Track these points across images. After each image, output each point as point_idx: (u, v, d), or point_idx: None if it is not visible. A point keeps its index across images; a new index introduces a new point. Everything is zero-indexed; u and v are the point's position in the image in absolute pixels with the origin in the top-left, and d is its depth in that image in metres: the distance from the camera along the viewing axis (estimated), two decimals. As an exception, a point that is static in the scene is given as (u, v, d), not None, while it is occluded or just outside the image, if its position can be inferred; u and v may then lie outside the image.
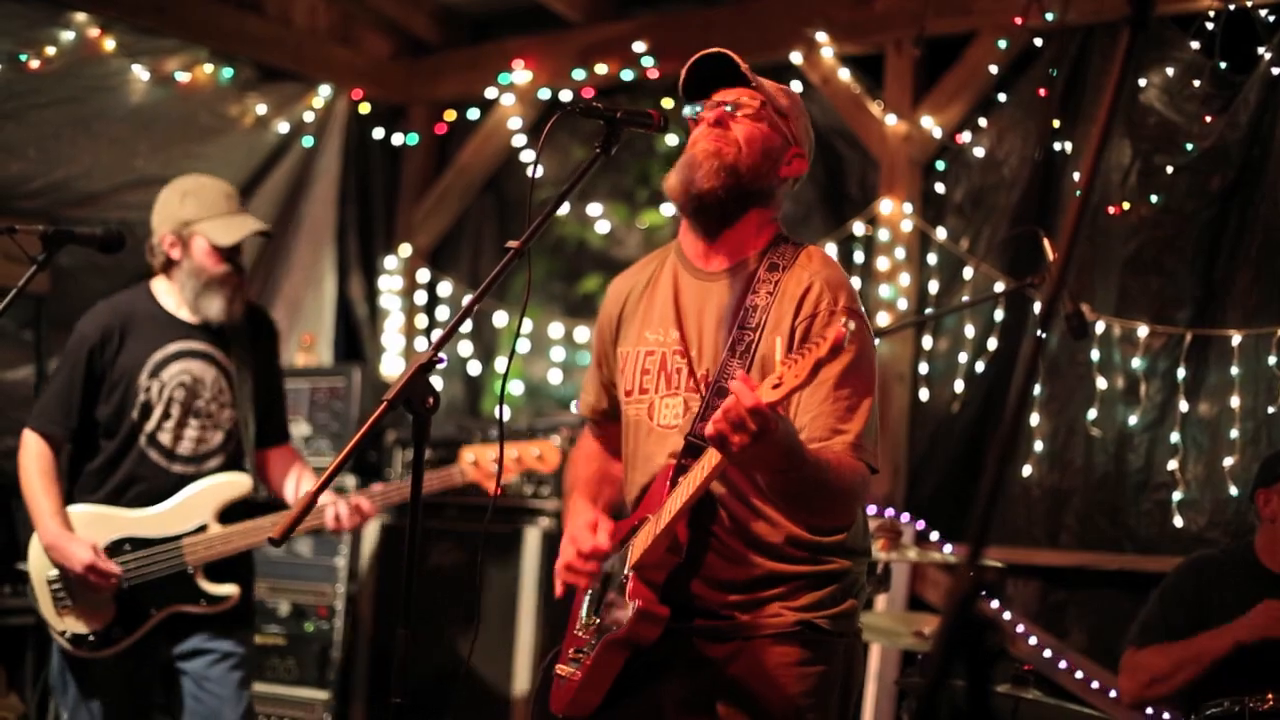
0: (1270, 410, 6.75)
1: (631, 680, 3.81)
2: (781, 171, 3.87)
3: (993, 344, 7.41)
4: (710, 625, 3.76)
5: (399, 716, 3.35)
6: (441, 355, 3.48)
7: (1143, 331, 7.02)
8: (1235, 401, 6.80)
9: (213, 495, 5.74)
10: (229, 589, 5.73)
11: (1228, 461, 6.77)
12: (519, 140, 9.13)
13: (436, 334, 8.96)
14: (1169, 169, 7.18)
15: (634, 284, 4.04)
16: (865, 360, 3.64)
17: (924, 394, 7.61)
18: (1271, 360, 6.75)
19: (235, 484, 5.79)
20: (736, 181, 3.79)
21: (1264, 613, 5.34)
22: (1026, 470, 7.24)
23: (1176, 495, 6.89)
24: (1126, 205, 7.24)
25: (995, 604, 7.11)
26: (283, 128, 9.00)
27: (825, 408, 3.59)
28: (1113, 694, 6.57)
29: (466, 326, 9.13)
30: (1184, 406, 6.95)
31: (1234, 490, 6.69)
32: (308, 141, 9.17)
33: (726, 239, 3.86)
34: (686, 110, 3.96)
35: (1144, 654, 5.65)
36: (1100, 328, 7.10)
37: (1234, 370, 6.82)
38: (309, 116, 9.12)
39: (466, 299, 8.76)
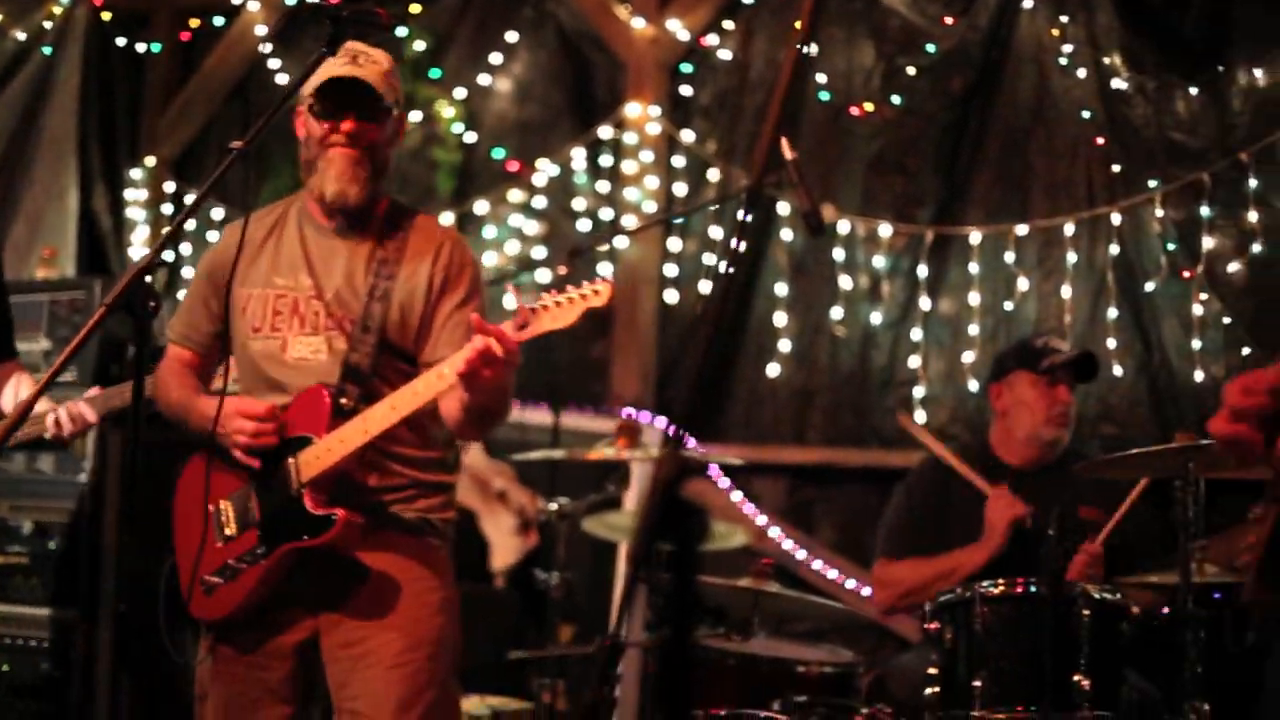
0: (1008, 307, 6.89)
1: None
2: (392, 150, 4.32)
3: (740, 245, 7.44)
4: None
5: (121, 624, 3.31)
6: (164, 258, 3.47)
7: (886, 231, 7.12)
8: (975, 299, 6.93)
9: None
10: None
11: (968, 357, 6.91)
12: (265, 47, 8.92)
13: (185, 247, 8.75)
14: (911, 70, 7.27)
15: (253, 231, 4.29)
16: (485, 305, 4.22)
17: (672, 296, 7.63)
18: (1009, 258, 6.89)
19: None
20: (374, 188, 4.23)
21: (996, 508, 5.45)
22: (774, 370, 7.30)
23: (919, 391, 7.01)
24: (870, 106, 7.32)
25: (742, 500, 7.17)
26: (20, 36, 8.70)
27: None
28: (865, 591, 6.67)
29: (213, 237, 8.94)
30: (926, 304, 7.07)
31: (974, 385, 6.83)
32: (47, 50, 8.87)
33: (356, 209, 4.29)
34: (313, 107, 4.18)
35: (898, 568, 5.72)
36: (845, 227, 7.17)
37: (973, 268, 6.95)
38: (48, 24, 8.82)
39: (215, 212, 8.57)
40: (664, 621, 2.13)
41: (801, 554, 7.06)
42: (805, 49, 2.36)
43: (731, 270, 2.36)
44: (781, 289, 7.33)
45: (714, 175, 7.56)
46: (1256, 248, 6.54)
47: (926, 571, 5.60)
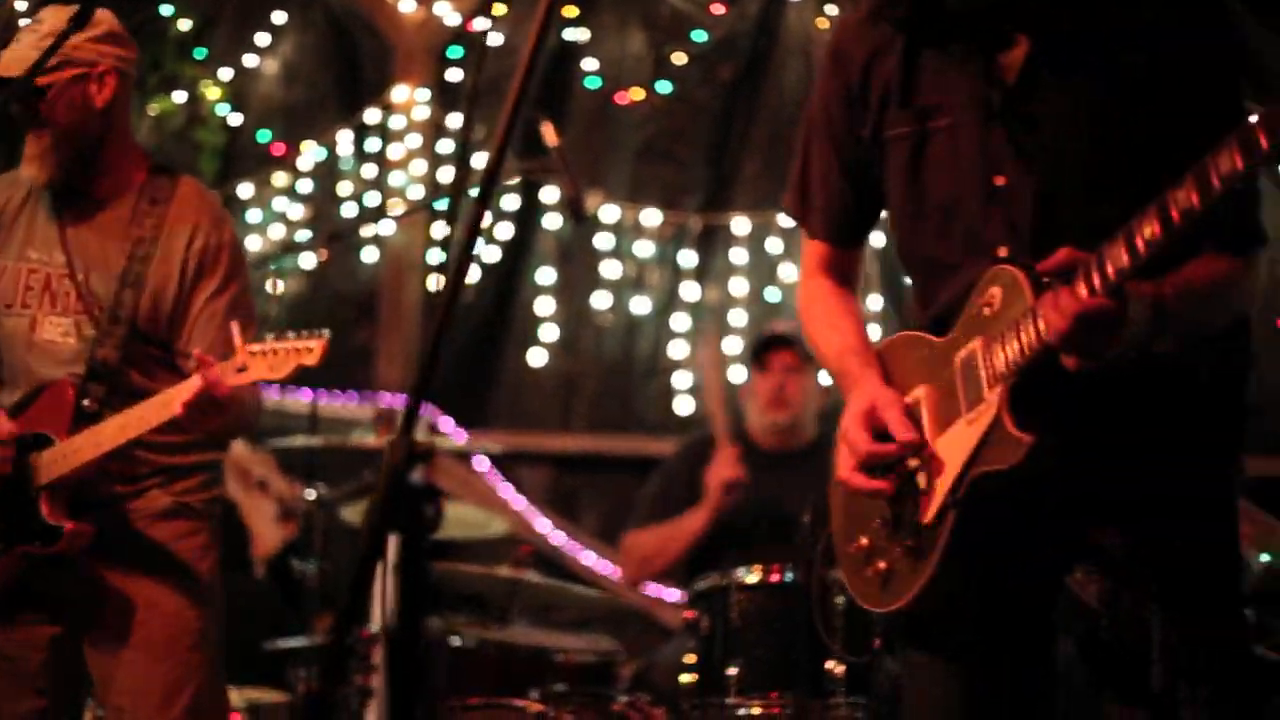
0: (772, 295, 6.93)
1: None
2: (100, 104, 4.01)
3: (505, 232, 7.37)
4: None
5: None
6: None
7: (652, 218, 7.10)
8: (740, 287, 6.96)
9: None
10: None
11: (732, 345, 6.91)
12: (24, 22, 8.62)
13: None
14: (681, 58, 7.26)
15: (10, 196, 4.14)
16: (245, 286, 4.12)
17: (436, 283, 7.52)
18: (774, 246, 6.93)
19: None
20: (70, 158, 3.99)
21: (713, 470, 5.52)
22: (539, 357, 7.26)
23: (683, 380, 7.01)
24: (639, 93, 7.30)
25: (504, 487, 7.12)
26: None
27: (222, 335, 3.92)
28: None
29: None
30: (691, 292, 7.07)
31: (737, 374, 6.84)
32: None
33: (101, 182, 4.08)
34: None
35: (638, 536, 5.82)
36: (612, 214, 7.15)
37: (738, 257, 6.98)
38: None
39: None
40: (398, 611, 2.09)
41: (565, 542, 7.03)
42: (549, 30, 2.32)
43: (473, 252, 2.31)
44: (547, 276, 7.30)
45: (481, 161, 7.46)
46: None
47: (659, 533, 5.67)
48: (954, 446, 2.65)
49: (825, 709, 4.53)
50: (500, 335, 7.45)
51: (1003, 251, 2.68)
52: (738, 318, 6.94)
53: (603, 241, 7.18)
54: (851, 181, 2.98)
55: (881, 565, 2.78)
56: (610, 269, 7.17)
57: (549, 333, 7.26)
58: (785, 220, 6.90)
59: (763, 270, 6.99)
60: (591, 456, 7.24)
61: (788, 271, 6.92)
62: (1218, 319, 2.69)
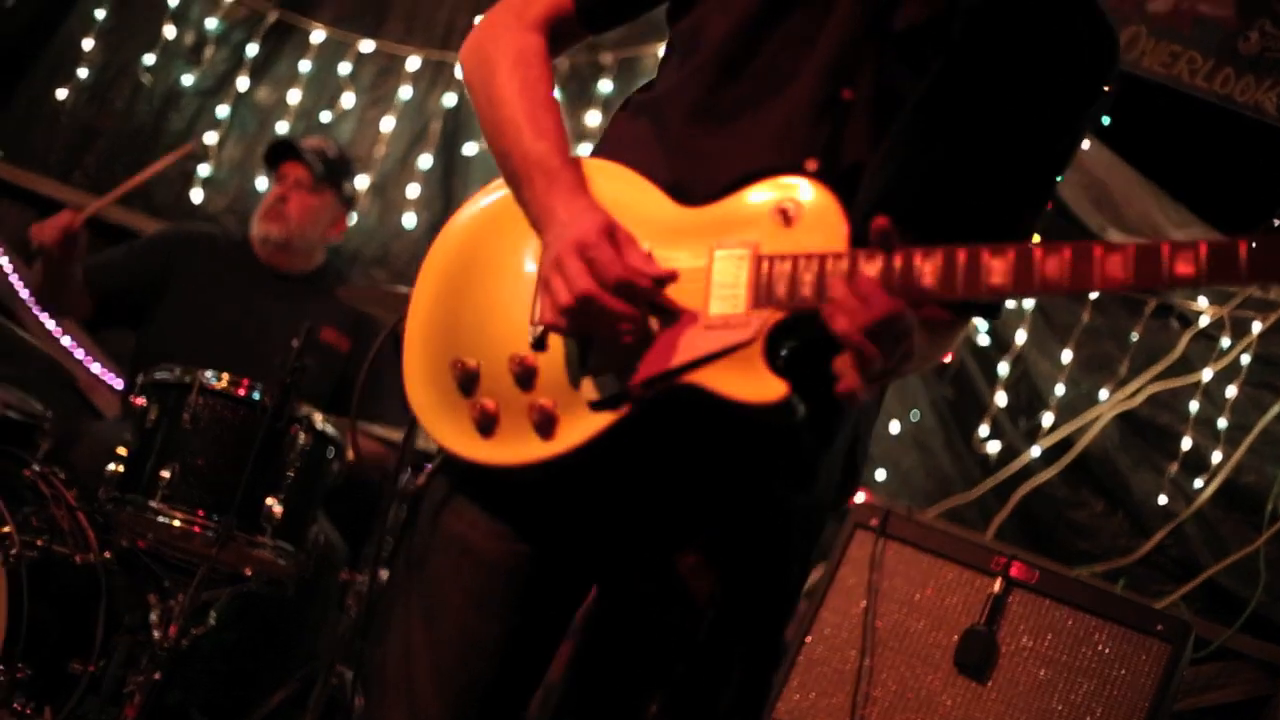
0: (325, 117, 6.62)
1: None
2: None
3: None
4: None
5: None
6: None
7: (231, -4, 6.68)
8: (295, 97, 6.62)
9: None
10: None
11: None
12: None
13: None
14: None
15: None
16: None
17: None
18: (344, 69, 6.61)
19: None
20: None
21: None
22: (66, 96, 6.70)
23: (204, 170, 6.60)
24: None
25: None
26: None
27: None
28: (91, 364, 6.26)
29: None
30: (244, 84, 6.66)
31: (262, 183, 6.43)
32: None
33: None
34: None
35: None
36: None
37: (305, 66, 6.63)
38: None
39: None
40: None
41: (23, 291, 6.49)
42: None
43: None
44: (100, 15, 6.73)
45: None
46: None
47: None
48: (672, 338, 2.20)
49: (250, 544, 4.25)
50: (30, 63, 6.80)
51: (812, 165, 2.23)
52: (282, 127, 6.55)
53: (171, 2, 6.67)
54: None
55: (489, 404, 2.30)
56: (169, 30, 6.67)
57: (83, 74, 6.70)
58: (365, 46, 6.57)
59: (325, 88, 6.63)
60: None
61: (349, 100, 6.59)
62: (922, 366, 2.55)
